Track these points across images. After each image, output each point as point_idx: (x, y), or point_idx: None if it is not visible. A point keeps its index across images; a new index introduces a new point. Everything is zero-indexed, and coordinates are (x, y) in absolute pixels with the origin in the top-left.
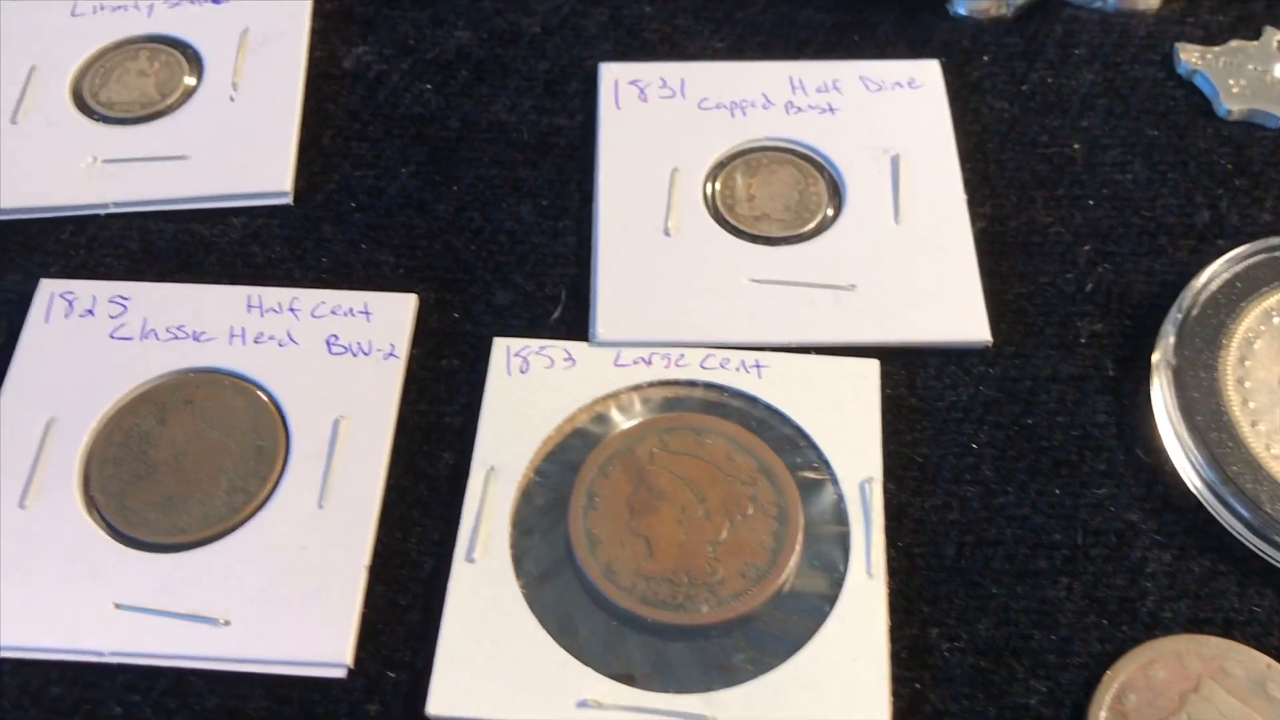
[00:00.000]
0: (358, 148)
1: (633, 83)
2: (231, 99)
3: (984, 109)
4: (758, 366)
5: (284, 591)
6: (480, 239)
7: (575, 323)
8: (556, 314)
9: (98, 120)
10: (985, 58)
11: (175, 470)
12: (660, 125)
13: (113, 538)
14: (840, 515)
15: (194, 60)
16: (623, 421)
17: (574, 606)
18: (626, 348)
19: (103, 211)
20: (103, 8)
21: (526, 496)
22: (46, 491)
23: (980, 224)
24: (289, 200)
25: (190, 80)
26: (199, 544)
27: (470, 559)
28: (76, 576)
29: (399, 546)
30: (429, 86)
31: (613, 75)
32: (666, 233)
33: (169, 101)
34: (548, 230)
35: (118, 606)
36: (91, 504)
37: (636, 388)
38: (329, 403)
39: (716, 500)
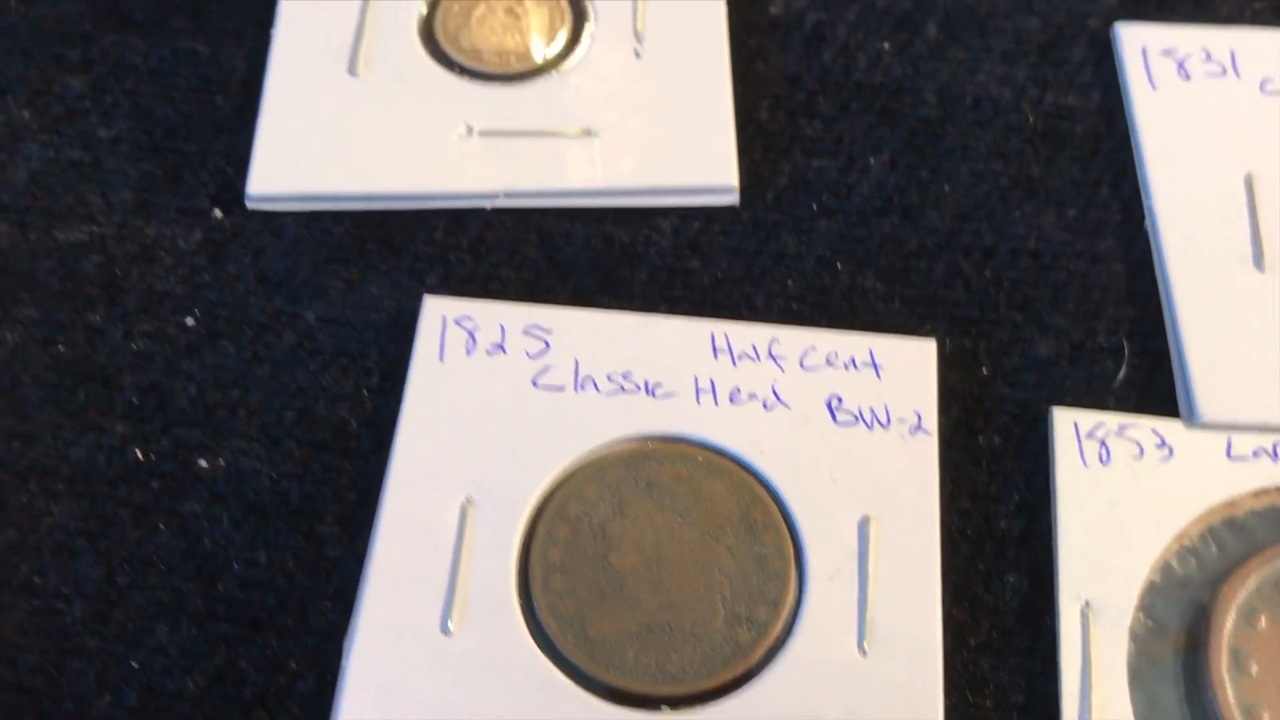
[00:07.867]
0: (809, 127)
1: (1166, 53)
2: (636, 54)
3: None
4: None
5: None
6: (995, 261)
7: (1149, 388)
8: (1121, 374)
9: (461, 75)
10: None
11: (651, 585)
12: (1215, 114)
13: (579, 684)
14: None
15: None
16: (1250, 543)
17: None
18: (1240, 433)
19: (489, 204)
20: None
21: (1139, 646)
22: (478, 609)
23: None
24: (735, 199)
25: (576, 26)
26: (700, 699)
27: None
28: None
29: (975, 714)
30: (887, 46)
31: (1138, 42)
32: (1259, 267)
33: (551, 55)
34: (1085, 253)
35: None
36: (538, 630)
37: (1261, 492)
38: (848, 495)
39: None
